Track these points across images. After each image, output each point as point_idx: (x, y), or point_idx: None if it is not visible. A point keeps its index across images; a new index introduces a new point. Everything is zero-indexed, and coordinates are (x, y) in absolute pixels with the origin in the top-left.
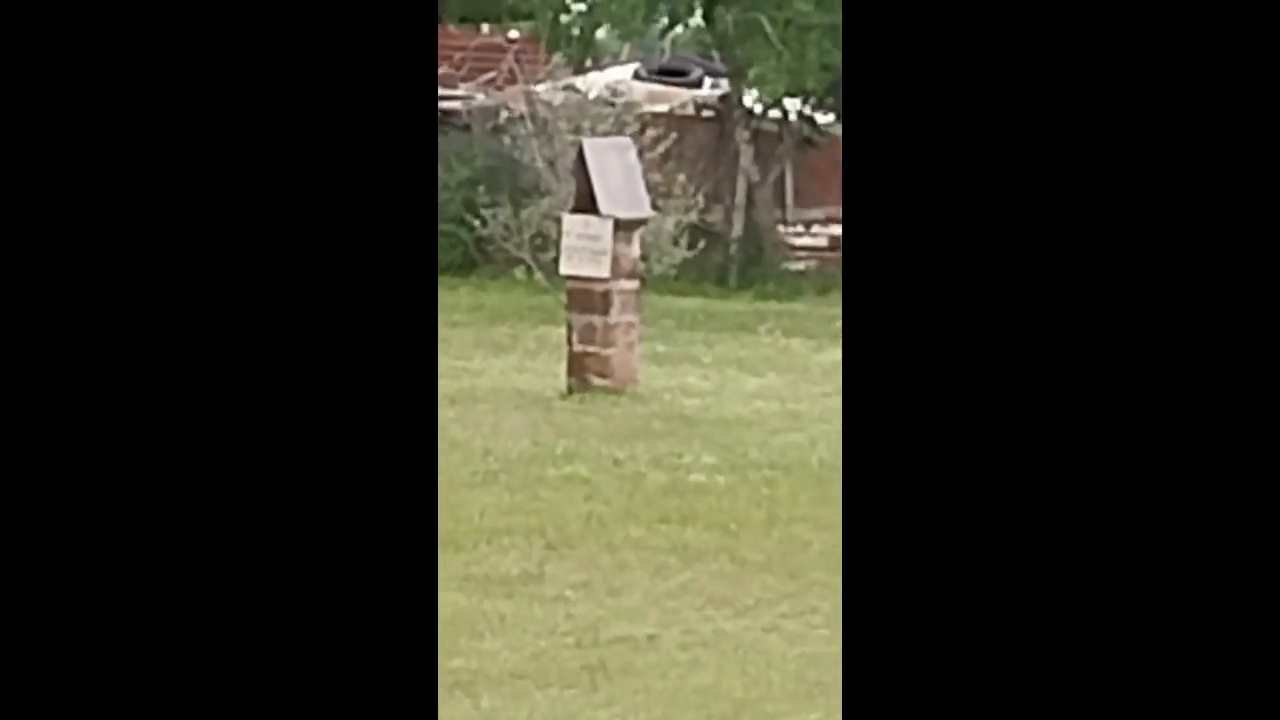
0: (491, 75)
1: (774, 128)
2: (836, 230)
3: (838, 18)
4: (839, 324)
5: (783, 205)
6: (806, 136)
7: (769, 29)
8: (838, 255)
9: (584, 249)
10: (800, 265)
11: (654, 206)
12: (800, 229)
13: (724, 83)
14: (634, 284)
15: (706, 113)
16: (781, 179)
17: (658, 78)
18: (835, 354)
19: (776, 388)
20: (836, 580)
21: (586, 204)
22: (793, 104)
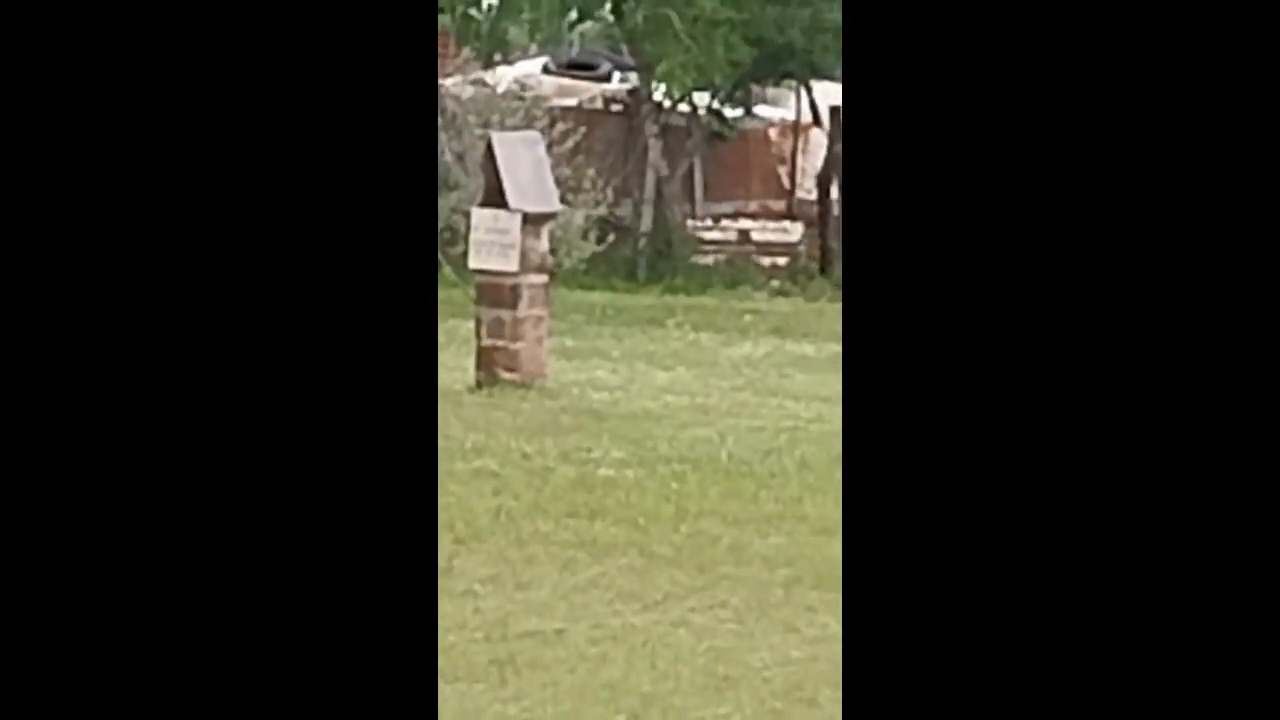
0: None
1: (683, 122)
2: (745, 224)
3: (746, 13)
4: (748, 318)
5: (691, 199)
6: (715, 131)
7: (677, 24)
8: (746, 249)
9: (492, 243)
10: (709, 259)
11: (563, 201)
12: (709, 223)
13: (633, 77)
14: (543, 278)
15: (615, 107)
16: (690, 173)
17: (567, 72)
18: (744, 348)
19: (685, 382)
20: (745, 574)
21: (495, 198)
22: (701, 98)
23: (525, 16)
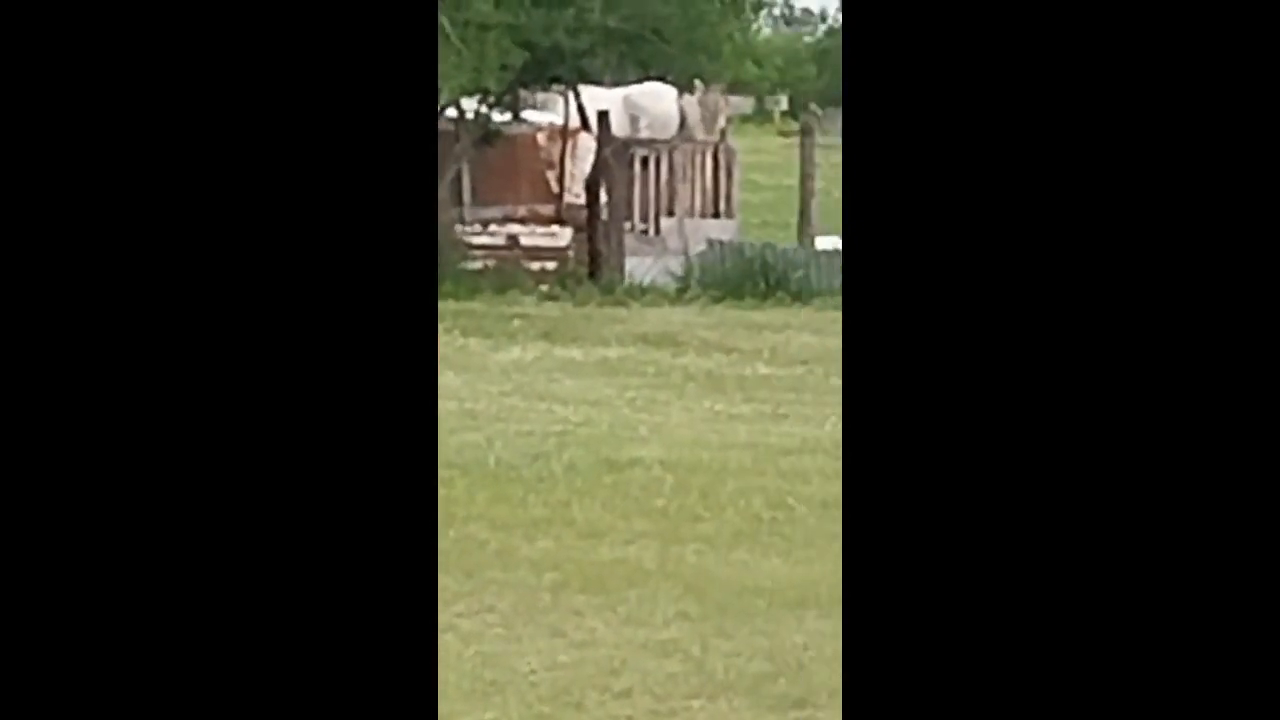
0: None
1: (450, 126)
2: (514, 229)
3: (517, 18)
4: (516, 323)
5: (460, 204)
6: (484, 135)
7: (449, 28)
8: (515, 254)
9: None
10: (478, 264)
11: None
12: (477, 228)
13: None
14: None
15: None
16: (458, 178)
17: None
18: (513, 353)
19: (454, 387)
20: (512, 579)
21: None
22: (469, 103)
23: None
